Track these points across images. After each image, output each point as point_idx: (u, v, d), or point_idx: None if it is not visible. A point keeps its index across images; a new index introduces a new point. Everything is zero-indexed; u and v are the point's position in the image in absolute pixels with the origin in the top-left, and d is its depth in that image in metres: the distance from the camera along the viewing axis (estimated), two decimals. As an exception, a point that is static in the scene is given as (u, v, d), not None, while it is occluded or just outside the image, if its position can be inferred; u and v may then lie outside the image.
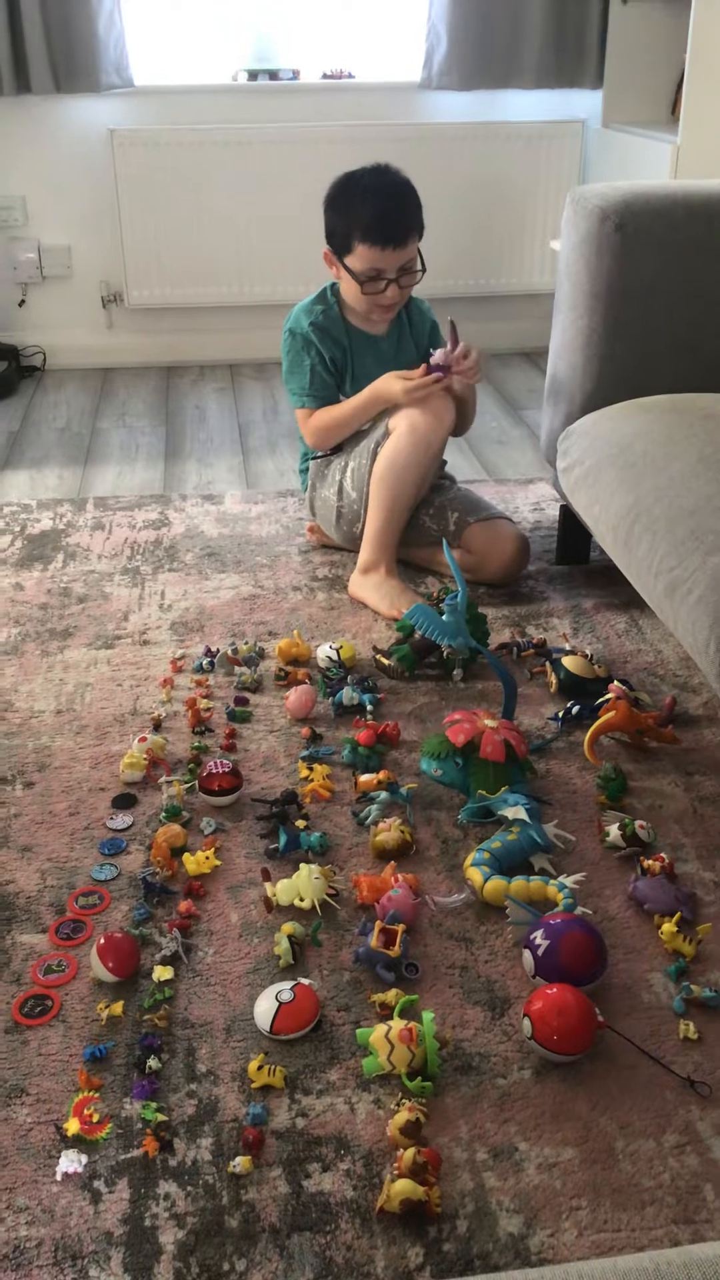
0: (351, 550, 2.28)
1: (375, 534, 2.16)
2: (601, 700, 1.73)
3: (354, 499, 2.22)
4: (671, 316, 2.01)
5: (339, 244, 2.13)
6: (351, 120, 3.50)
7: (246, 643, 2.00)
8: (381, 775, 1.64)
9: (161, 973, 1.32)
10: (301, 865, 1.45)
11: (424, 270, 2.17)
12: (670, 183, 2.63)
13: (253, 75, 3.52)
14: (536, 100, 3.58)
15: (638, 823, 1.52)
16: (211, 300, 3.66)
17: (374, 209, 2.07)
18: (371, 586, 2.15)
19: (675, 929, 1.36)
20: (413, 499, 2.19)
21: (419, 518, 2.26)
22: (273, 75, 3.53)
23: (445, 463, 2.38)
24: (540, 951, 1.28)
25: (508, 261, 3.74)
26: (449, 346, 2.09)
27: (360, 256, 2.09)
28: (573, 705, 1.80)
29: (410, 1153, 1.08)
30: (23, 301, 3.67)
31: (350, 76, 3.58)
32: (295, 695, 1.82)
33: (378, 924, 1.35)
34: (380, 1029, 1.20)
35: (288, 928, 1.37)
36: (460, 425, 2.25)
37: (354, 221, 2.08)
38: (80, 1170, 1.11)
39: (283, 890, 1.42)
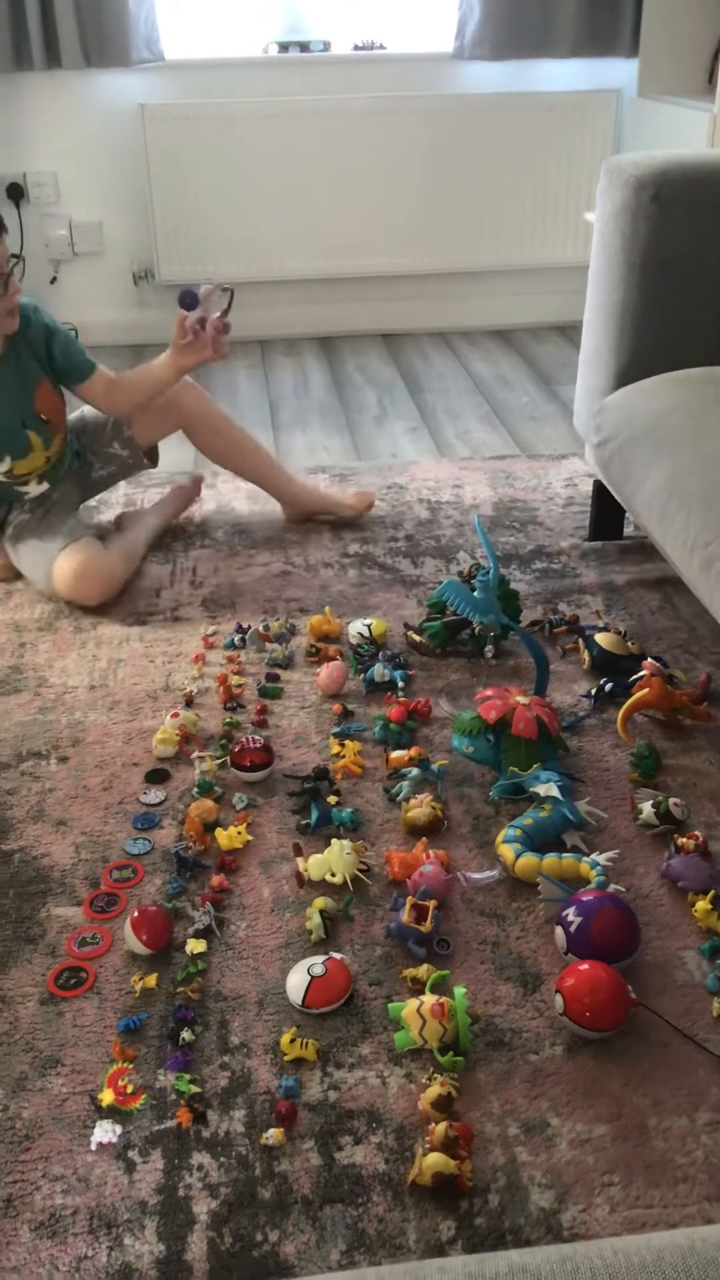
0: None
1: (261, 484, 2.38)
2: (635, 677, 1.72)
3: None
4: (708, 288, 1.98)
5: None
6: (383, 92, 3.46)
7: (278, 619, 2.00)
8: (413, 752, 1.64)
9: (194, 946, 1.32)
10: (333, 841, 1.45)
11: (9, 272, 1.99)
12: (708, 152, 2.58)
13: (283, 47, 3.49)
14: (571, 70, 3.52)
15: (671, 800, 1.51)
16: (242, 276, 3.63)
17: None
18: (316, 507, 2.36)
19: (709, 907, 1.35)
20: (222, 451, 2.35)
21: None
22: (303, 47, 3.50)
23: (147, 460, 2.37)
24: (572, 928, 1.28)
25: (541, 234, 3.68)
26: (220, 314, 2.04)
27: None
28: (605, 682, 1.79)
29: (442, 1127, 1.08)
30: (54, 279, 3.66)
31: (382, 47, 3.54)
32: (326, 672, 1.81)
33: (409, 899, 1.35)
34: (412, 1004, 1.21)
35: (319, 902, 1.37)
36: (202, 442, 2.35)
37: None
38: (115, 1140, 1.12)
39: (314, 865, 1.43)
